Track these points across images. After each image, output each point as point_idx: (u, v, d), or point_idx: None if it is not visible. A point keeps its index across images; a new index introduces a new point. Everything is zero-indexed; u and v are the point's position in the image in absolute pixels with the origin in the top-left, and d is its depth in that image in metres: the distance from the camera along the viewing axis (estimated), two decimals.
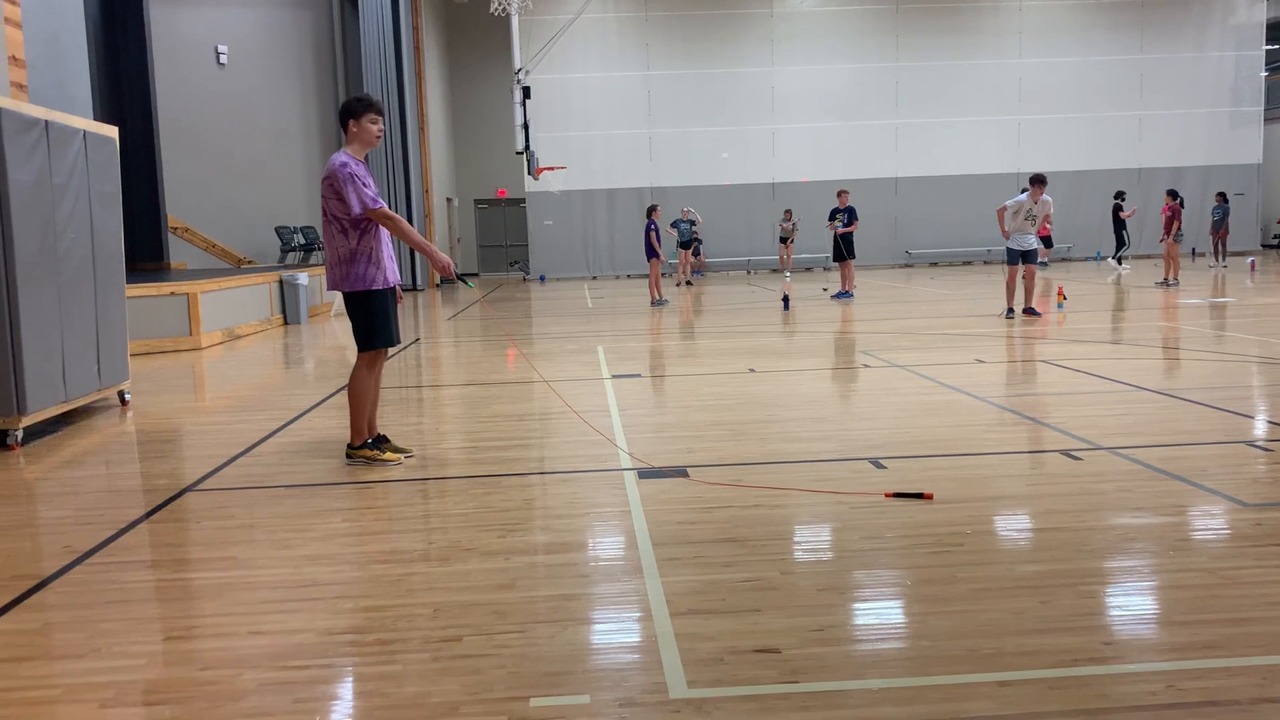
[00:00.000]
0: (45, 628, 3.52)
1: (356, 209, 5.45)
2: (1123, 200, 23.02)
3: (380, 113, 5.64)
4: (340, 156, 5.53)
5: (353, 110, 5.59)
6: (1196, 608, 3.35)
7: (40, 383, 6.87)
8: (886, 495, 4.80)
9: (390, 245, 5.78)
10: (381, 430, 6.20)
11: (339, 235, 5.55)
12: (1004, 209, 13.21)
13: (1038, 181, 13.05)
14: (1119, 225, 22.70)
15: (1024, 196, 13.17)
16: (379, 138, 5.69)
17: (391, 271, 5.74)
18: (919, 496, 4.76)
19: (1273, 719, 2.60)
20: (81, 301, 7.50)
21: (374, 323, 5.66)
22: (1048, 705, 2.69)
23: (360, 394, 5.76)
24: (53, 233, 7.07)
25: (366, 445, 5.82)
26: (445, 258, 5.76)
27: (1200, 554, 3.91)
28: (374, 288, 5.63)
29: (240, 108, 19.13)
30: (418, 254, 24.03)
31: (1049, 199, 13.29)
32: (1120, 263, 23.15)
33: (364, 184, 5.47)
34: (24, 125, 6.76)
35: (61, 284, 7.18)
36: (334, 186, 5.48)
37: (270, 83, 20.70)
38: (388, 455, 5.81)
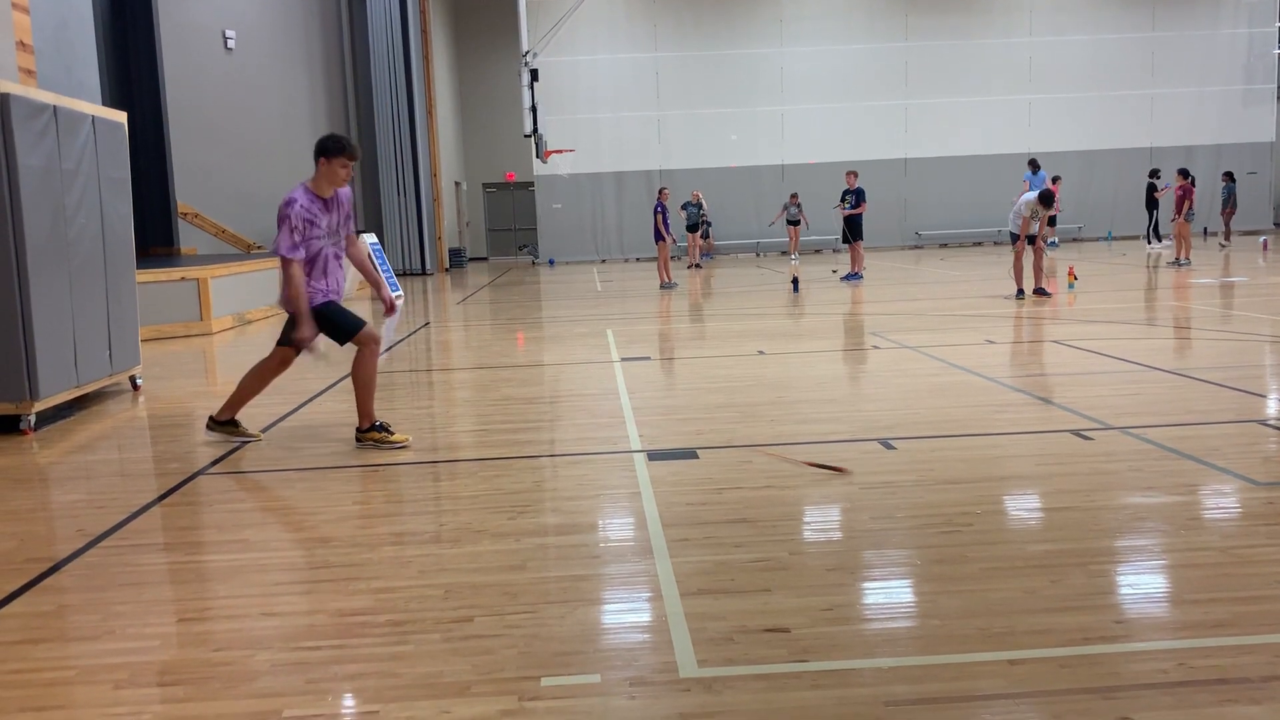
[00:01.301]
0: (60, 610, 3.54)
1: (277, 249, 5.60)
2: (1157, 179, 22.81)
3: (353, 158, 5.73)
4: (293, 193, 5.65)
5: (326, 149, 5.68)
6: (1207, 586, 3.34)
7: (52, 368, 6.90)
8: (806, 464, 4.98)
9: (338, 267, 5.91)
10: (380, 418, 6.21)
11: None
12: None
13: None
14: (1152, 205, 22.50)
15: (1032, 196, 12.97)
16: (345, 181, 5.78)
17: (334, 290, 5.88)
18: (835, 470, 4.91)
19: None
20: (92, 287, 7.52)
21: (336, 323, 5.83)
22: (1059, 684, 2.70)
23: (363, 379, 5.84)
24: (63, 218, 7.09)
25: (374, 428, 5.86)
26: (308, 330, 5.72)
27: (1211, 533, 3.90)
28: (315, 302, 5.75)
29: (248, 93, 19.12)
30: (426, 238, 24.08)
31: (1028, 197, 13.02)
32: (1161, 239, 23.01)
33: (293, 228, 5.57)
34: (33, 111, 6.76)
35: (72, 269, 7.20)
36: (279, 211, 5.63)
37: (278, 67, 20.67)
38: (396, 438, 5.85)
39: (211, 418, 6.18)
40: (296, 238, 5.59)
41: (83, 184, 7.39)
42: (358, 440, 5.90)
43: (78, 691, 2.90)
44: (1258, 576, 3.40)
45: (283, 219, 5.58)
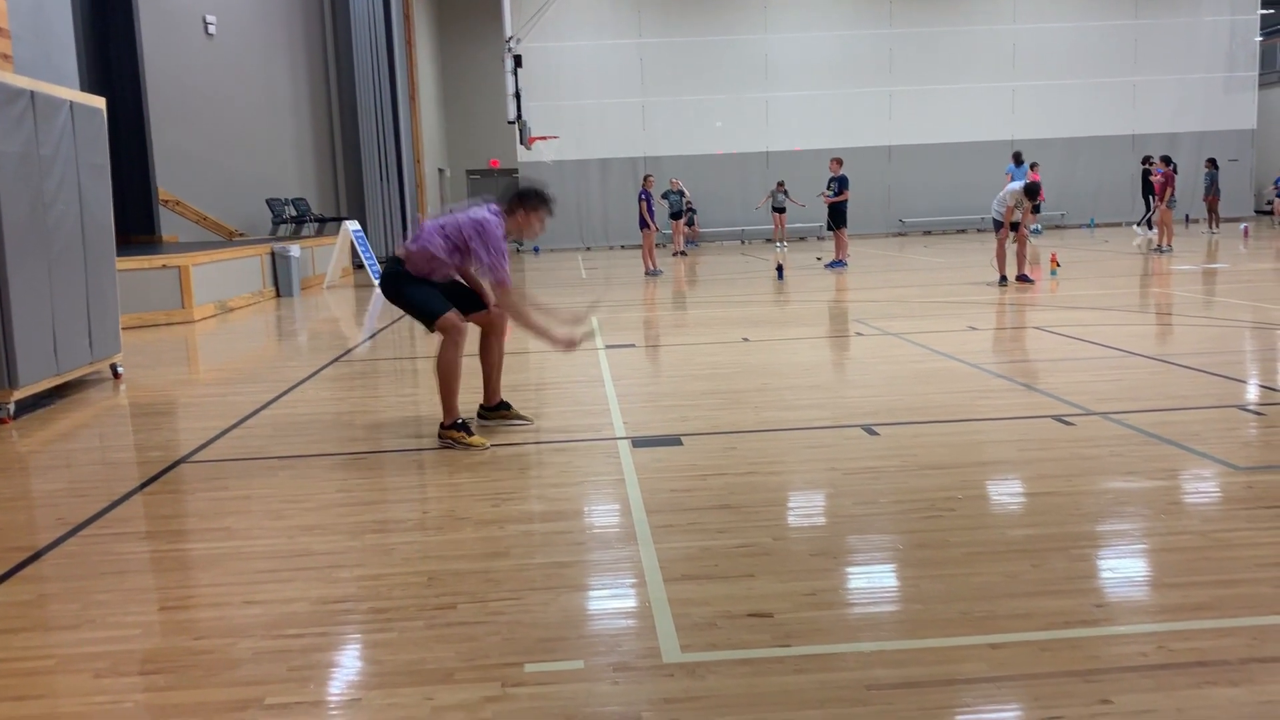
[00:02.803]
0: (39, 599, 3.52)
1: (494, 272, 5.29)
2: (1150, 165, 22.86)
3: (551, 214, 5.53)
4: (496, 220, 5.35)
5: (526, 199, 5.45)
6: (1187, 570, 3.37)
7: (31, 356, 6.84)
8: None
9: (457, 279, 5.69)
10: (505, 398, 6.05)
11: (441, 252, 5.39)
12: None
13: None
14: (1148, 190, 22.55)
15: (1018, 186, 13.08)
16: (538, 234, 5.59)
17: (439, 278, 5.60)
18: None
19: (1262, 678, 2.62)
20: (72, 274, 7.46)
21: (415, 302, 5.52)
22: (1039, 667, 2.71)
23: (445, 371, 5.50)
24: (41, 205, 7.02)
25: (455, 426, 5.50)
26: (566, 342, 5.48)
27: (1191, 517, 3.93)
28: (420, 271, 5.48)
29: (229, 79, 18.94)
30: (410, 225, 23.97)
31: (1013, 187, 13.14)
32: (1150, 227, 23.09)
33: (504, 250, 5.32)
34: (10, 96, 6.69)
35: (51, 256, 7.14)
36: (485, 239, 5.28)
37: (259, 53, 20.47)
38: (473, 440, 5.44)
39: (440, 424, 5.65)
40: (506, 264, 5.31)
41: (61, 170, 7.32)
42: (439, 437, 5.54)
43: (58, 680, 2.88)
44: (1237, 560, 3.43)
45: (495, 243, 5.25)
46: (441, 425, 5.55)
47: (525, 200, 5.48)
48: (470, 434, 5.46)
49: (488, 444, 5.43)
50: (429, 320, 5.47)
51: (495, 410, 5.97)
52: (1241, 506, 4.00)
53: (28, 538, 4.20)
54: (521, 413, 5.99)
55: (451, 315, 5.44)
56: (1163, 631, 2.91)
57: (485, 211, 5.40)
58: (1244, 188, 29.16)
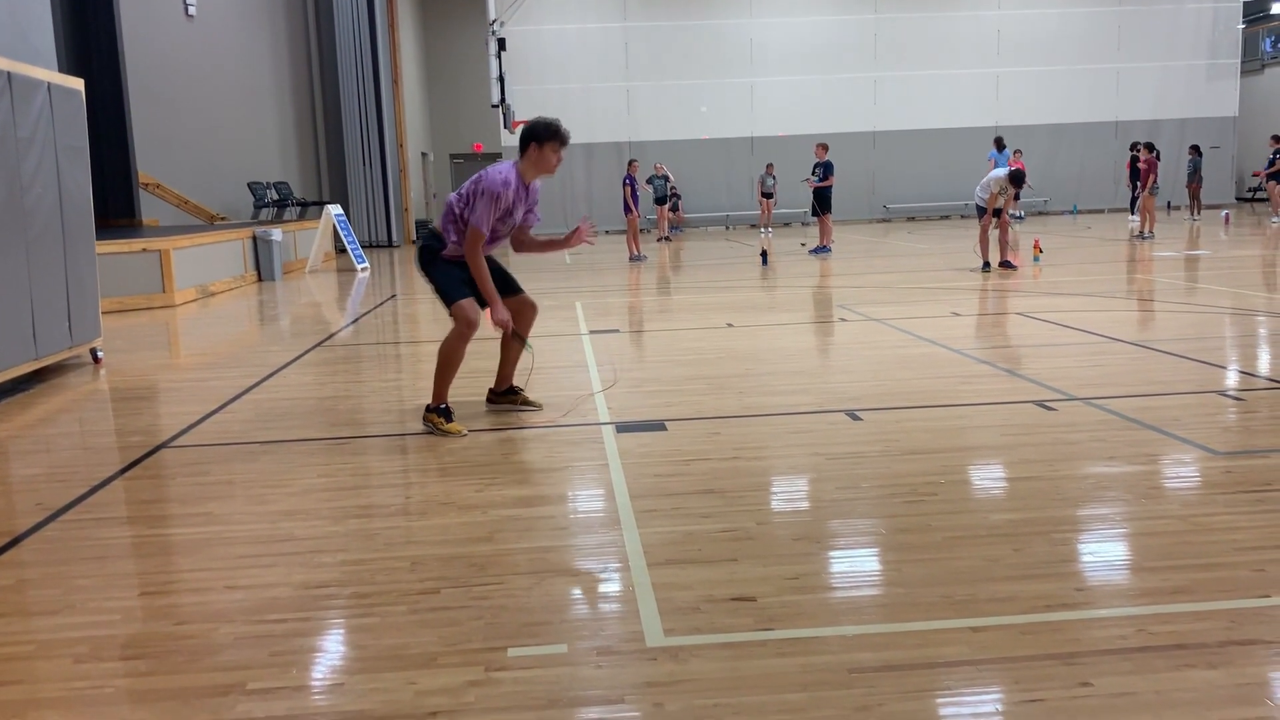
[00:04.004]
0: (19, 584, 3.50)
1: (474, 222, 5.27)
2: (1138, 151, 22.88)
3: (566, 144, 5.44)
4: (508, 174, 5.32)
5: (537, 134, 5.37)
6: (1167, 554, 3.39)
7: (9, 340, 6.78)
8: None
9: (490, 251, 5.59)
10: (516, 383, 6.01)
11: (453, 239, 5.40)
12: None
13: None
14: (1136, 177, 22.58)
15: (1001, 172, 13.09)
16: (556, 169, 5.49)
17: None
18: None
19: (1239, 661, 2.64)
20: (50, 257, 7.38)
21: (444, 286, 5.49)
22: (1020, 650, 2.73)
23: (445, 356, 5.47)
24: (19, 187, 6.94)
25: (438, 410, 5.46)
26: (502, 312, 5.48)
27: (1171, 501, 3.96)
28: (447, 253, 5.45)
29: (210, 61, 18.74)
30: (393, 210, 23.88)
31: (997, 173, 13.17)
32: (1134, 213, 23.11)
33: (496, 207, 5.27)
34: None
35: (29, 240, 7.06)
36: (478, 189, 5.29)
37: (240, 35, 20.28)
38: (450, 427, 5.41)
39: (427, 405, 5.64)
40: (496, 214, 5.28)
41: (39, 152, 7.24)
42: (423, 419, 5.54)
43: (38, 666, 2.86)
44: (1216, 544, 3.46)
45: (493, 196, 5.23)
46: (427, 406, 5.55)
47: (535, 135, 5.38)
48: (449, 420, 5.45)
49: (465, 431, 5.41)
50: (446, 304, 5.48)
51: (504, 395, 5.94)
52: (1220, 491, 4.04)
53: (7, 523, 4.17)
54: (530, 399, 5.96)
55: (467, 305, 5.42)
56: (1142, 615, 2.93)
57: (495, 166, 5.38)
58: (1225, 175, 29.30)
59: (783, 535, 3.70)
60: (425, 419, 5.50)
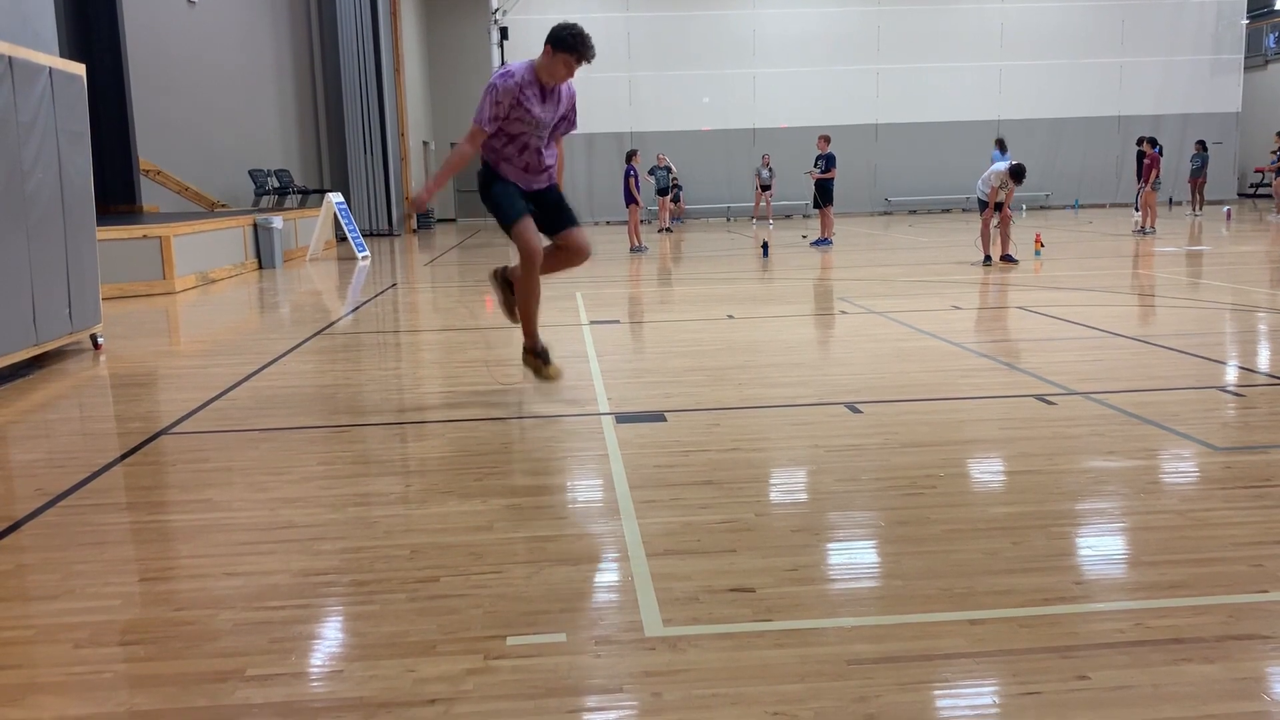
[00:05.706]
0: (18, 569, 3.50)
1: (474, 118, 5.21)
2: (1143, 146, 22.81)
3: (581, 61, 5.27)
4: (515, 65, 5.22)
5: (556, 40, 5.22)
6: (1165, 548, 3.40)
7: (9, 325, 6.78)
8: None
9: (541, 159, 5.50)
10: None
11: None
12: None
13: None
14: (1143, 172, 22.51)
15: (1003, 167, 13.08)
16: (563, 80, 5.37)
17: (524, 176, 5.51)
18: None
19: (1236, 655, 2.65)
20: (51, 243, 7.38)
21: (500, 205, 5.44)
22: (1018, 643, 2.73)
23: (523, 299, 5.46)
24: (19, 172, 6.93)
25: (535, 353, 5.49)
26: (425, 194, 5.57)
27: (1170, 496, 3.96)
28: (499, 172, 5.41)
29: (212, 47, 18.70)
30: (394, 198, 23.84)
31: (999, 167, 13.15)
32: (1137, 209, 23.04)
33: (497, 102, 5.18)
34: None
35: (30, 225, 7.06)
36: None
37: (242, 21, 20.23)
38: (549, 371, 5.55)
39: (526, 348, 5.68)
40: (499, 112, 5.14)
41: (40, 137, 7.23)
42: (523, 359, 5.60)
43: (37, 650, 2.87)
44: (1214, 539, 3.46)
45: (490, 88, 5.13)
46: (524, 347, 5.68)
47: (554, 40, 5.25)
48: (548, 364, 5.57)
49: (561, 373, 5.60)
50: (505, 224, 5.41)
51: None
52: (1219, 486, 4.04)
53: (6, 508, 4.18)
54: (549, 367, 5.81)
55: (525, 229, 5.31)
56: (1140, 609, 2.94)
57: (506, 68, 5.34)
58: (1228, 171, 29.27)
59: (782, 527, 3.71)
60: (524, 359, 5.62)
